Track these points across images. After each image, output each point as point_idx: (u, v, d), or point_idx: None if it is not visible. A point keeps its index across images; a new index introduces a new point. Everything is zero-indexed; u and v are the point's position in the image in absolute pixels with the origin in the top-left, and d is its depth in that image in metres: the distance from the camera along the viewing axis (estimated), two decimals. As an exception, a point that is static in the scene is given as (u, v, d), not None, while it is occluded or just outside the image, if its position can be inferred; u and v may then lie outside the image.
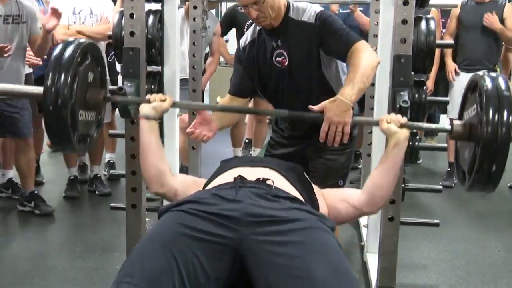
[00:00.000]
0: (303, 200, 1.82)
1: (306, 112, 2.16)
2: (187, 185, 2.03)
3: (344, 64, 2.40)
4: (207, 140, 2.30)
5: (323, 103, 2.09)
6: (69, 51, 1.96)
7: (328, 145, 2.12)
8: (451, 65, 4.80)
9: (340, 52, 2.26)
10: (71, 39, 2.13)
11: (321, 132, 2.09)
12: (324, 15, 2.30)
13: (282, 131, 2.59)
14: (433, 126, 2.18)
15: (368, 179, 2.02)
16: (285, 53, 2.35)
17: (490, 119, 1.76)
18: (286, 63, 2.35)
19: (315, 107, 2.09)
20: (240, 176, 1.81)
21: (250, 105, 5.24)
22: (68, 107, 1.91)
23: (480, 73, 1.94)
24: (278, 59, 2.37)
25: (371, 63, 2.17)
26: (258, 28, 2.43)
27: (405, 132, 1.97)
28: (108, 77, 4.28)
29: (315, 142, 2.43)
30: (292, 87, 2.39)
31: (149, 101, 2.11)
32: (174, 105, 2.17)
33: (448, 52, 4.83)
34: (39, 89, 1.99)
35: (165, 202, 3.15)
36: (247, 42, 2.48)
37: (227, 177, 1.86)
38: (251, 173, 1.84)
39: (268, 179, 1.80)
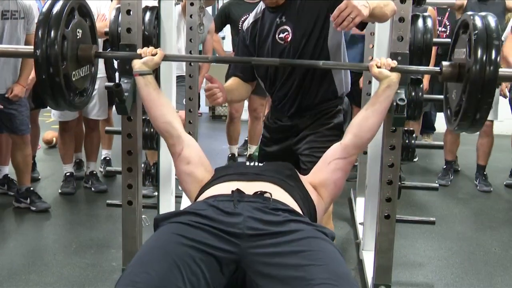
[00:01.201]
0: (300, 209, 1.84)
1: (299, 60, 2.24)
2: (192, 151, 2.08)
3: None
4: (220, 102, 2.31)
5: None
6: (55, 11, 1.97)
7: (335, 24, 2.03)
8: None
9: None
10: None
11: (336, 10, 2.00)
12: None
13: (271, 124, 2.59)
14: (422, 68, 2.21)
15: (354, 121, 2.05)
16: (289, 29, 2.34)
17: (478, 61, 1.82)
18: (289, 38, 2.35)
19: None
20: (238, 189, 1.81)
21: (246, 101, 5.28)
22: (60, 72, 1.94)
23: (470, 12, 1.97)
24: (281, 35, 2.36)
25: (390, 6, 2.11)
26: (262, 8, 2.43)
27: (396, 75, 2.03)
28: (105, 74, 4.34)
29: (306, 136, 2.44)
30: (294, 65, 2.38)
31: (140, 56, 2.15)
32: (165, 58, 2.21)
33: None
34: (31, 48, 2.00)
35: (161, 201, 3.17)
36: (250, 22, 2.48)
37: (225, 188, 1.86)
38: (249, 187, 1.85)
39: (265, 192, 1.81)
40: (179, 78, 3.75)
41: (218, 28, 5.17)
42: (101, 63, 4.36)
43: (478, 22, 1.89)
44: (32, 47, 1.99)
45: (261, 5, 2.45)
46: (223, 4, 5.47)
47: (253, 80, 2.55)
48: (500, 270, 3.25)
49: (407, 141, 2.51)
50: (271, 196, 1.80)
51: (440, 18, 5.06)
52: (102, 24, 4.09)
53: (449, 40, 2.61)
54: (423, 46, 2.41)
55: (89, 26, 2.21)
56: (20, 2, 3.72)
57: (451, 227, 3.91)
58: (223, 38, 5.69)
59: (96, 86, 4.11)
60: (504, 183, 4.84)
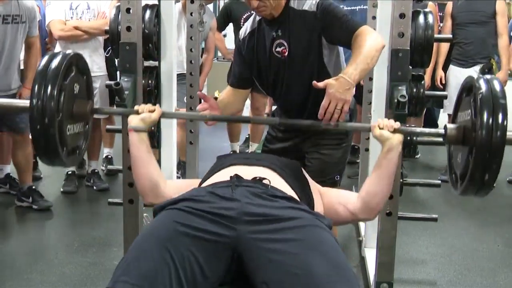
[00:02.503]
0: (298, 198, 1.82)
1: (297, 119, 2.25)
2: (181, 190, 2.00)
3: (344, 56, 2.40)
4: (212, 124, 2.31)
5: (326, 80, 2.06)
6: (54, 64, 1.94)
7: (324, 123, 2.09)
8: (439, 73, 4.85)
9: (344, 39, 2.23)
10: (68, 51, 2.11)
11: (320, 108, 2.06)
12: (325, 3, 2.27)
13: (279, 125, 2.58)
14: (426, 130, 2.15)
15: (363, 186, 2.00)
16: (285, 43, 2.32)
17: (484, 125, 1.73)
18: (286, 53, 2.33)
19: (320, 84, 2.06)
20: (236, 174, 1.80)
21: (248, 99, 5.27)
22: (55, 125, 1.91)
23: (475, 75, 1.91)
24: (278, 49, 2.34)
25: (375, 44, 2.12)
26: (258, 18, 2.41)
27: (398, 137, 1.94)
28: (106, 72, 4.34)
29: (312, 136, 2.43)
30: (291, 77, 2.37)
31: (137, 112, 2.09)
32: (163, 115, 2.15)
33: (440, 60, 4.85)
34: (26, 103, 1.97)
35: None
36: (247, 33, 2.46)
37: (224, 175, 1.86)
38: (248, 172, 1.84)
39: (264, 178, 1.80)
40: (180, 76, 3.74)
41: (221, 28, 5.17)
42: (102, 60, 4.37)
43: (483, 85, 1.81)
44: (27, 101, 1.96)
45: (256, 16, 2.42)
46: (224, 3, 5.47)
47: (248, 88, 2.55)
48: (503, 267, 3.25)
49: (408, 137, 2.49)
50: (269, 182, 1.79)
51: (441, 14, 5.05)
52: (102, 22, 4.09)
53: (450, 36, 2.60)
54: (424, 42, 2.39)
55: (86, 83, 2.18)
56: (22, 3, 3.71)
57: (453, 223, 3.90)
58: (225, 36, 5.69)
59: (97, 85, 4.15)
60: (507, 179, 4.84)
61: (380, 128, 1.96)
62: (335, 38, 2.29)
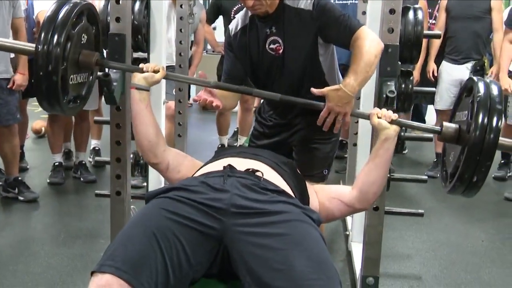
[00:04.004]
0: (292, 193, 1.83)
1: (298, 98, 2.16)
2: (179, 160, 2.07)
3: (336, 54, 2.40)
4: (217, 107, 2.18)
5: (325, 89, 2.07)
6: (63, 12, 1.94)
7: (324, 129, 2.12)
8: (431, 65, 4.86)
9: (342, 40, 2.20)
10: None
11: (320, 117, 2.08)
12: (321, 3, 2.23)
13: (265, 120, 2.55)
14: (423, 125, 2.16)
15: (358, 176, 2.02)
16: (280, 40, 2.28)
17: (479, 127, 1.77)
18: (281, 51, 2.29)
19: (317, 91, 2.07)
20: (229, 165, 1.81)
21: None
22: (59, 72, 1.91)
23: (467, 72, 1.96)
24: (272, 46, 2.30)
25: (374, 51, 2.11)
26: (250, 14, 2.35)
27: (395, 128, 1.96)
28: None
29: (299, 131, 2.43)
30: (285, 75, 2.34)
31: (142, 70, 2.10)
32: (166, 77, 2.16)
33: (432, 53, 4.87)
34: (32, 46, 1.97)
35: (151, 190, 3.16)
36: (238, 28, 2.40)
37: (217, 165, 1.86)
38: (242, 164, 1.85)
39: (257, 171, 1.80)
40: (169, 68, 3.72)
41: (211, 20, 5.15)
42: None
43: (482, 88, 1.85)
44: (33, 44, 1.97)
45: (248, 12, 2.37)
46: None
47: (241, 83, 2.46)
48: (487, 262, 3.28)
49: (396, 132, 2.51)
50: (262, 175, 1.79)
51: (430, 10, 5.07)
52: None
53: (439, 32, 2.61)
54: (414, 38, 2.40)
55: (95, 34, 2.17)
56: None
57: (439, 219, 3.93)
58: (214, 28, 5.67)
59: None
60: (493, 175, 4.87)
61: (378, 117, 1.98)
62: (332, 39, 2.26)
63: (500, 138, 1.81)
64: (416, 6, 2.51)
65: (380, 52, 2.14)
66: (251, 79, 2.45)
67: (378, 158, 1.97)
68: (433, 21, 5.06)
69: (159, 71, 2.10)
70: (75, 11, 1.96)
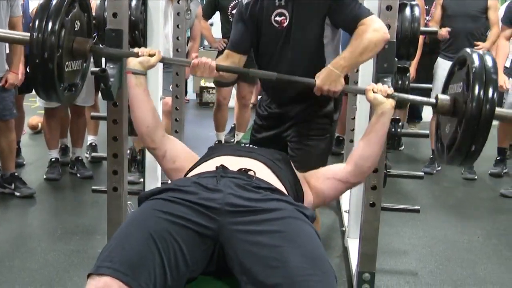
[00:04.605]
0: (285, 191, 1.83)
1: (294, 76, 2.18)
2: (177, 152, 2.06)
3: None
4: (211, 72, 2.19)
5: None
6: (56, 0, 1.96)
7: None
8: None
9: (348, 25, 2.20)
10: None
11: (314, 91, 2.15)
12: None
13: (262, 111, 2.55)
14: (418, 98, 2.18)
15: (353, 151, 2.04)
16: (286, 14, 2.27)
17: (476, 98, 1.79)
18: (285, 24, 2.28)
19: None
20: (222, 165, 1.81)
21: (234, 90, 5.27)
22: (54, 60, 1.92)
23: (469, 50, 1.97)
24: (277, 18, 2.29)
25: (375, 39, 2.11)
26: None
27: (391, 102, 2.00)
28: (92, 59, 4.29)
29: (295, 125, 2.43)
30: (285, 51, 2.32)
31: (137, 55, 2.10)
32: (162, 60, 2.17)
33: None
34: (27, 35, 1.99)
35: (147, 188, 3.16)
36: None
37: (210, 165, 1.86)
38: (234, 163, 1.84)
39: (250, 170, 1.81)
40: (166, 64, 3.72)
41: (208, 16, 5.15)
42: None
43: (476, 59, 1.87)
44: (27, 33, 1.98)
45: None
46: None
47: (247, 52, 2.47)
48: (483, 258, 3.29)
49: (393, 129, 2.51)
50: (254, 174, 1.79)
51: (427, 7, 5.07)
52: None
53: (436, 29, 2.61)
54: (410, 35, 2.41)
55: (87, 22, 2.19)
56: None
57: (435, 215, 3.94)
58: (211, 24, 5.67)
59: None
60: (489, 172, 4.88)
61: (374, 92, 2.01)
62: (339, 22, 2.25)
63: (497, 108, 1.82)
64: (413, 2, 2.51)
65: (383, 42, 2.14)
66: (254, 52, 2.45)
67: (374, 133, 2.00)
68: (430, 18, 5.07)
69: (154, 55, 2.11)
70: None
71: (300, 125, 2.42)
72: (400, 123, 2.61)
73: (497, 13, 4.71)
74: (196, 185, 1.70)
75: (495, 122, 1.83)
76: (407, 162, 5.30)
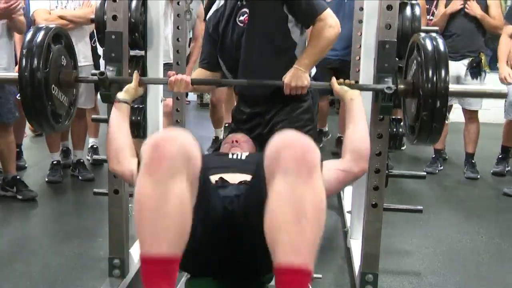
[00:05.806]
0: None
1: (264, 80, 2.35)
2: None
3: None
4: (187, 87, 2.32)
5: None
6: (40, 34, 2.08)
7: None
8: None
9: (305, 18, 2.37)
10: (52, 24, 2.21)
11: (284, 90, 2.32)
12: None
13: (241, 114, 2.63)
14: (379, 86, 2.21)
15: (345, 142, 2.05)
16: (248, 11, 2.39)
17: (430, 77, 1.95)
18: (247, 20, 2.39)
19: None
20: (221, 178, 1.87)
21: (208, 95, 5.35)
22: (43, 94, 2.05)
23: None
24: (241, 18, 2.41)
25: (331, 37, 2.33)
26: None
27: (356, 91, 2.17)
28: (92, 62, 4.31)
29: (276, 124, 2.47)
30: (250, 44, 2.42)
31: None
32: (140, 81, 2.25)
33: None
34: (15, 75, 2.11)
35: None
36: (212, 11, 2.54)
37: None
38: (233, 178, 1.89)
39: (250, 182, 1.82)
40: (166, 66, 3.71)
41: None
42: (88, 50, 4.33)
43: (428, 44, 2.01)
44: (16, 73, 2.11)
45: None
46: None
47: (217, 70, 2.60)
48: (486, 258, 3.28)
49: (394, 129, 2.51)
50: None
51: (428, 6, 5.06)
52: (87, 10, 4.05)
53: (436, 28, 2.61)
54: (411, 34, 2.40)
55: (69, 54, 2.31)
56: None
57: (438, 215, 3.93)
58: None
59: (83, 75, 4.10)
60: (491, 171, 4.87)
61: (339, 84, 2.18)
62: (295, 13, 2.37)
63: (450, 85, 1.97)
64: (413, 1, 2.50)
65: (336, 37, 2.34)
66: (222, 59, 2.54)
67: (353, 117, 2.08)
68: (431, 17, 5.05)
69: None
70: (50, 32, 2.12)
71: (283, 123, 2.48)
72: (401, 123, 2.60)
73: (499, 9, 4.69)
74: None
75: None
76: (409, 162, 5.29)
